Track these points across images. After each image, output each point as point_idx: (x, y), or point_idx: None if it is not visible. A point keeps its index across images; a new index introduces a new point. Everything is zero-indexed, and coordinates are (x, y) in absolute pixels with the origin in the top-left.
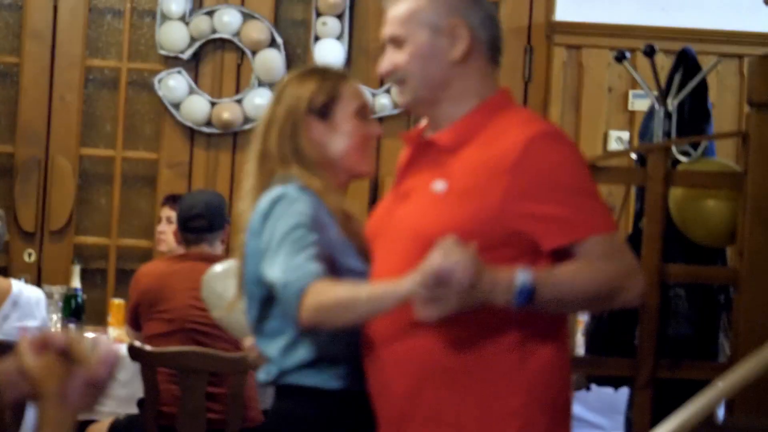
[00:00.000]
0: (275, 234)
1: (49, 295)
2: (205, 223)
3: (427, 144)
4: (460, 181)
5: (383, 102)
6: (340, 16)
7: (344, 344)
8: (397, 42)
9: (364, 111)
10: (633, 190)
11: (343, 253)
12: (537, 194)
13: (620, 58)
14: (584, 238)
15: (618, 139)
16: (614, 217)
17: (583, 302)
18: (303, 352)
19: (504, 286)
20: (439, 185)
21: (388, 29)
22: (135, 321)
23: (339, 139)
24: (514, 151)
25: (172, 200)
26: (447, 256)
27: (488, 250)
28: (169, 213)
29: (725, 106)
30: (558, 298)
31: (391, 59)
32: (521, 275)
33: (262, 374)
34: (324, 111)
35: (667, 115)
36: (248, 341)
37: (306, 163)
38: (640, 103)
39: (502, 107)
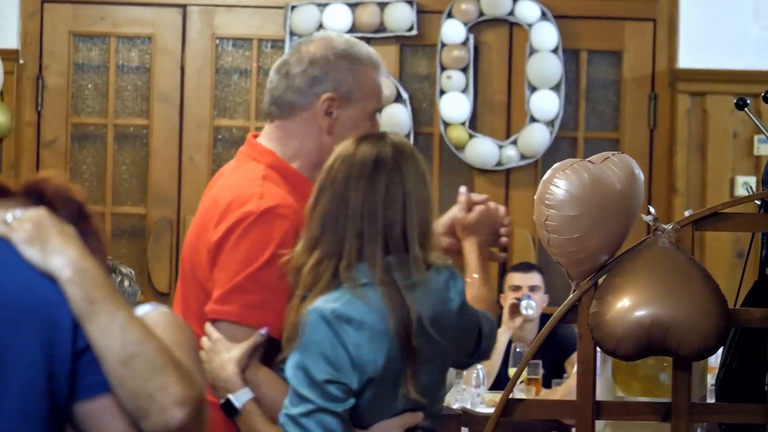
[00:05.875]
0: None
1: None
2: None
3: None
4: None
5: (510, 153)
6: (464, 70)
7: None
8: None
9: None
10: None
11: None
12: None
13: (741, 105)
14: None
15: (745, 184)
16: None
17: None
18: None
19: None
20: None
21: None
22: None
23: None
24: None
25: None
26: None
27: None
28: None
29: None
30: None
31: None
32: None
33: None
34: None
35: None
36: None
37: None
38: (766, 148)
39: None
